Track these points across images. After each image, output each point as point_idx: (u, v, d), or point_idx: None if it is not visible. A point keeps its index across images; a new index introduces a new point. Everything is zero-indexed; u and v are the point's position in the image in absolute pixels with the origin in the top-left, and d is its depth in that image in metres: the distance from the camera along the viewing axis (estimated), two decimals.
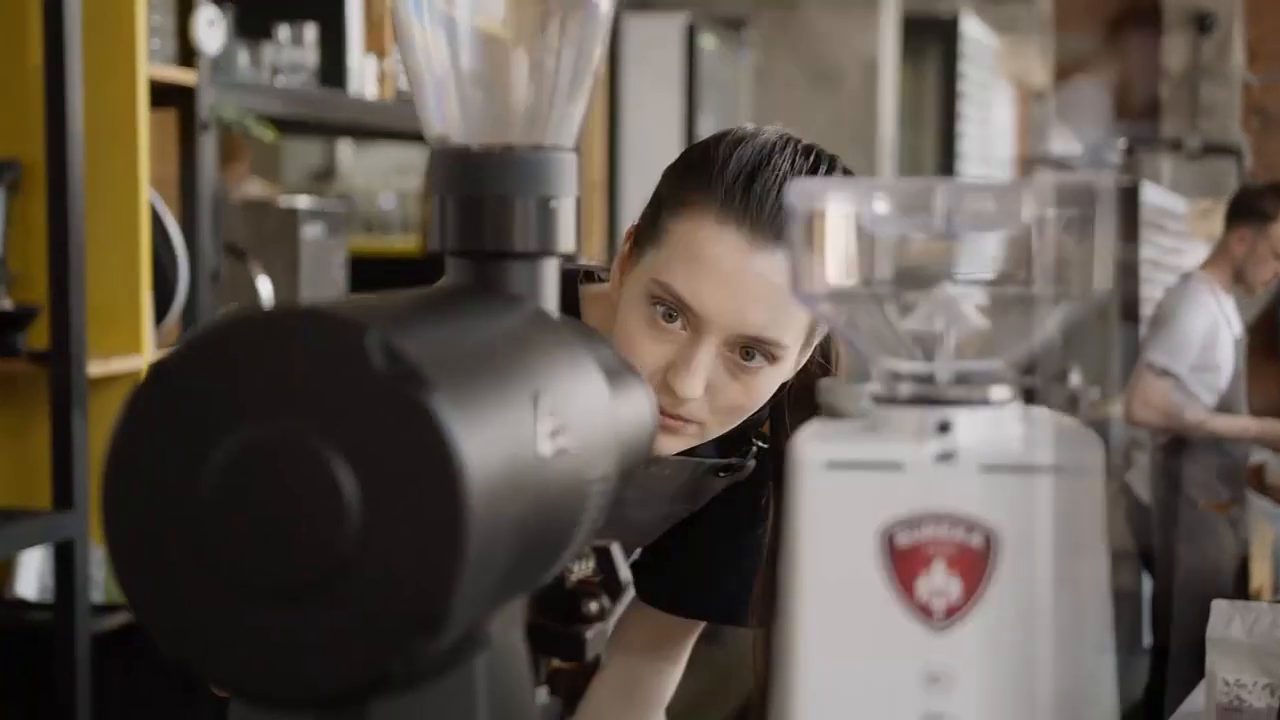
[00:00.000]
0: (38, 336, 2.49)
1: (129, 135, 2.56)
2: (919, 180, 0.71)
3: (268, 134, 2.88)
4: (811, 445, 0.66)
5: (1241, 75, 9.16)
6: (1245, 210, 4.19)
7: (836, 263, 0.69)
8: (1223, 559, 4.25)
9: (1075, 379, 6.59)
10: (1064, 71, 9.64)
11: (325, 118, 3.38)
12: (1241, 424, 4.26)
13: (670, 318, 1.23)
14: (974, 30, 7.71)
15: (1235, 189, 5.32)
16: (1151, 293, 7.10)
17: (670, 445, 1.27)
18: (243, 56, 3.04)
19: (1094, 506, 0.65)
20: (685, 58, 5.38)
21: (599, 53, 0.79)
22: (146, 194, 2.58)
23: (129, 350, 2.58)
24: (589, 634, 0.78)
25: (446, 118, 0.79)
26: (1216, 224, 8.32)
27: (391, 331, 0.60)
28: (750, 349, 1.23)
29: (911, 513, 0.65)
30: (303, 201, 3.26)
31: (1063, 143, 5.70)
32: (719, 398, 1.25)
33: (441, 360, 0.62)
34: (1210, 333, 4.14)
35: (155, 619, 0.61)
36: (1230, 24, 9.15)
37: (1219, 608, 1.83)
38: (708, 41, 5.47)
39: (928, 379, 0.68)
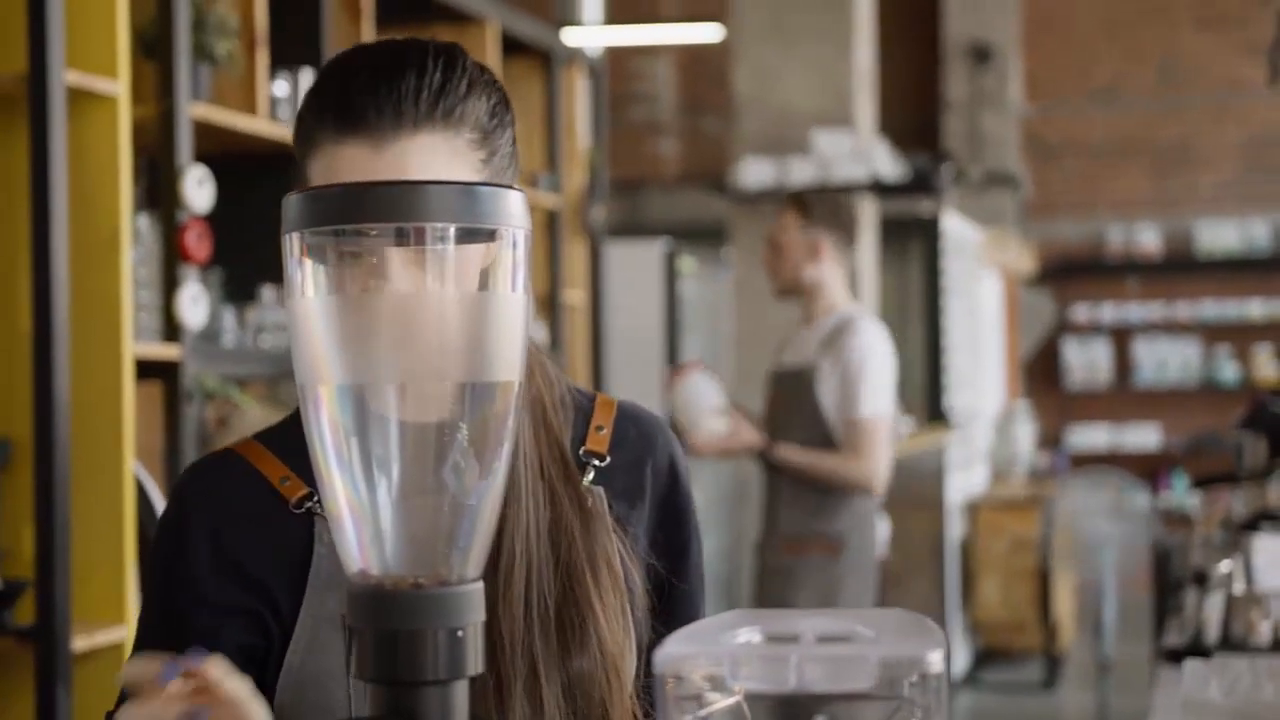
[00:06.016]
0: (23, 612, 2.55)
1: (114, 412, 2.65)
2: (777, 645, 0.79)
3: (249, 403, 2.98)
4: None
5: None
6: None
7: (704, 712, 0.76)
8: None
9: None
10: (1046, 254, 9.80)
11: None
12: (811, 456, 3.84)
13: None
14: (955, 226, 7.86)
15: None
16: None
17: None
18: (229, 319, 3.15)
19: None
20: (666, 281, 5.51)
21: (494, 504, 0.87)
22: (131, 468, 2.66)
23: (113, 622, 2.64)
24: None
25: (364, 555, 0.88)
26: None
27: None
28: None
29: None
30: None
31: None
32: None
33: None
34: None
35: None
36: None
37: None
38: (687, 265, 5.60)
39: None
